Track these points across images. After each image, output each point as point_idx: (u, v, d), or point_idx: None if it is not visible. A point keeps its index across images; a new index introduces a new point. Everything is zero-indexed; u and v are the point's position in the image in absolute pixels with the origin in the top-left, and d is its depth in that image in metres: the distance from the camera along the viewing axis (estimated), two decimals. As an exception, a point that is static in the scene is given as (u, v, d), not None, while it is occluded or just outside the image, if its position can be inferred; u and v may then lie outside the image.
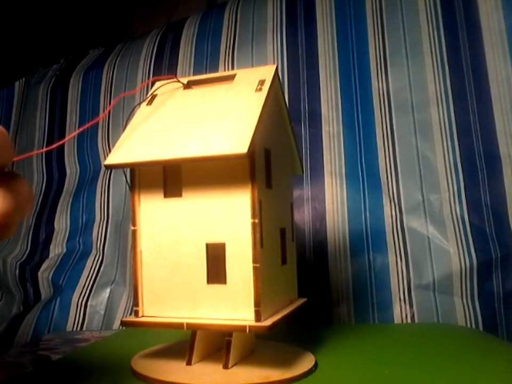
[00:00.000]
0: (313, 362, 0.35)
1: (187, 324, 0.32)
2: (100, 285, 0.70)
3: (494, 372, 0.35)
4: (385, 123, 0.63)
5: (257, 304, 0.31)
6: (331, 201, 0.61)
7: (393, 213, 0.59)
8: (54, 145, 0.28)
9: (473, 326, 0.54)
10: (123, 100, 0.79)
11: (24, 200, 0.23)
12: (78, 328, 0.66)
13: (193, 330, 0.35)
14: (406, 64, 0.63)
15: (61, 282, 0.71)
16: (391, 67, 0.64)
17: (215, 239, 0.32)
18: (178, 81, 0.40)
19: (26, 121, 0.92)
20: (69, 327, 0.67)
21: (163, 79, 0.40)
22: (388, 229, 0.59)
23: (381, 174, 0.61)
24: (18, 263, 0.79)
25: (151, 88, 0.41)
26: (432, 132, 0.61)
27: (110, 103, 0.81)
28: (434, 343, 0.44)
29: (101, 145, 0.81)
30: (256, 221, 0.31)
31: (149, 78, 0.78)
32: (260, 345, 0.38)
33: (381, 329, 0.52)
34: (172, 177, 0.34)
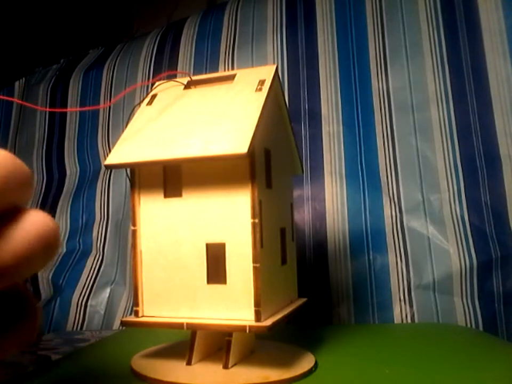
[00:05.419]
0: (313, 362, 0.35)
1: (187, 323, 0.32)
2: (99, 285, 0.70)
3: (494, 371, 0.35)
4: (385, 123, 0.63)
5: (257, 304, 0.31)
6: (331, 201, 0.61)
7: (393, 213, 0.59)
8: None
9: (473, 326, 0.54)
10: (123, 100, 0.79)
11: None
12: (78, 328, 0.66)
13: (193, 330, 0.35)
14: (406, 64, 0.63)
15: (61, 282, 0.71)
16: (391, 67, 0.64)
17: (215, 239, 0.32)
18: (179, 82, 0.40)
19: (26, 121, 0.92)
20: (69, 327, 0.67)
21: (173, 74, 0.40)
22: (388, 229, 0.59)
23: (381, 174, 0.61)
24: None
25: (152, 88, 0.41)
26: (432, 132, 0.61)
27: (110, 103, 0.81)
28: (434, 343, 0.44)
29: (101, 145, 0.81)
30: (256, 221, 0.31)
31: (149, 78, 0.78)
32: (260, 345, 0.38)
33: (381, 329, 0.52)
34: (172, 177, 0.34)
